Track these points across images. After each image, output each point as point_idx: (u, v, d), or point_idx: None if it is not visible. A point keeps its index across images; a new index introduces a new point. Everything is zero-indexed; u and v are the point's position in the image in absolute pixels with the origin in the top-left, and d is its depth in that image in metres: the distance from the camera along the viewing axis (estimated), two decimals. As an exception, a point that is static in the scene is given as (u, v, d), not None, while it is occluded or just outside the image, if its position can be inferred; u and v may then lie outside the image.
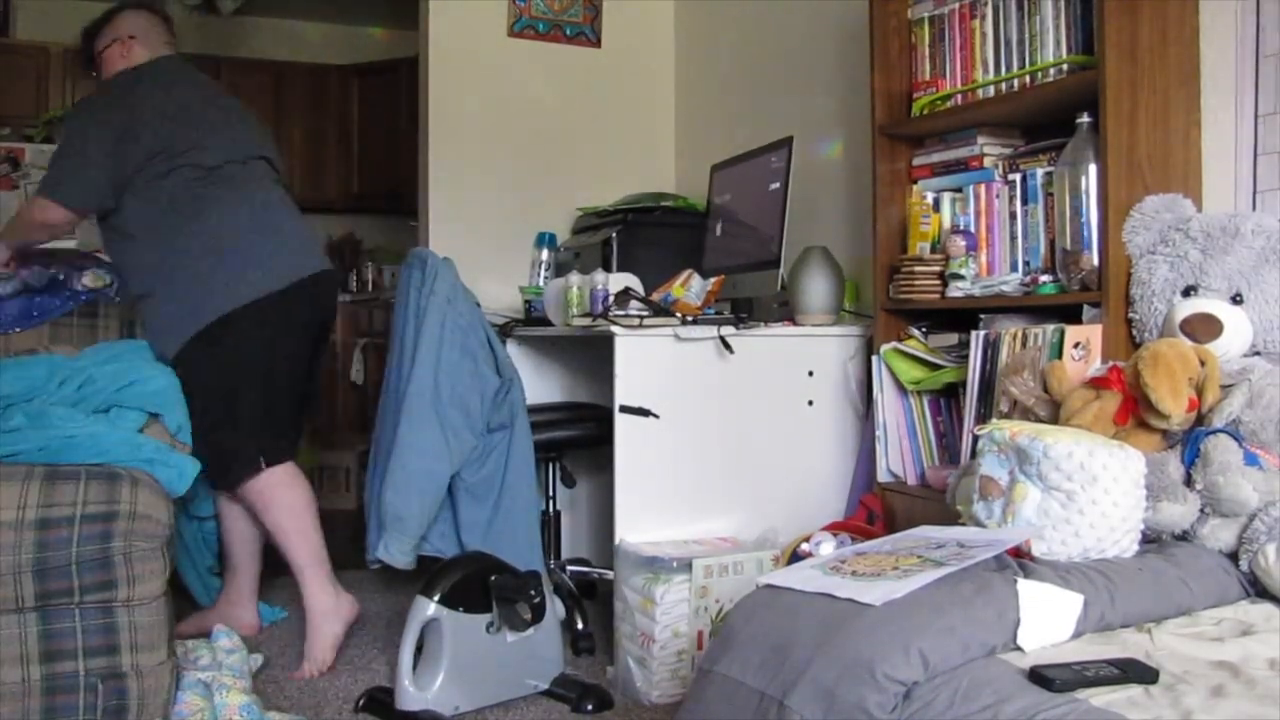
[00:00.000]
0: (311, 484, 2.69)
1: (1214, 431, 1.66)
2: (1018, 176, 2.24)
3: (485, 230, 3.67)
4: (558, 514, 3.04)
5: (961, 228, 2.35)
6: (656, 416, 2.42)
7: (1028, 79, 2.18)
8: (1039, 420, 1.88)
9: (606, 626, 2.54)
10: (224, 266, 2.54)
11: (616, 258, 3.16)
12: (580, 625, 2.67)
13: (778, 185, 2.80)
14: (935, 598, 1.35)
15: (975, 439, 1.73)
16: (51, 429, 2.11)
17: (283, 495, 2.60)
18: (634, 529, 2.41)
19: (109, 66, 2.76)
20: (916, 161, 2.49)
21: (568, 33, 3.81)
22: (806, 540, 2.33)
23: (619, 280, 2.62)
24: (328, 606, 2.58)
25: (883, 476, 2.46)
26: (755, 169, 2.96)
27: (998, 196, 2.28)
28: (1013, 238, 2.24)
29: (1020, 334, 2.07)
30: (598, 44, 3.86)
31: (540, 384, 3.29)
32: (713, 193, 3.24)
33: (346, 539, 3.81)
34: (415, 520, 2.55)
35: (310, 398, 2.80)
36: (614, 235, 3.22)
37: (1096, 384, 1.79)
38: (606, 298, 2.57)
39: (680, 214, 3.36)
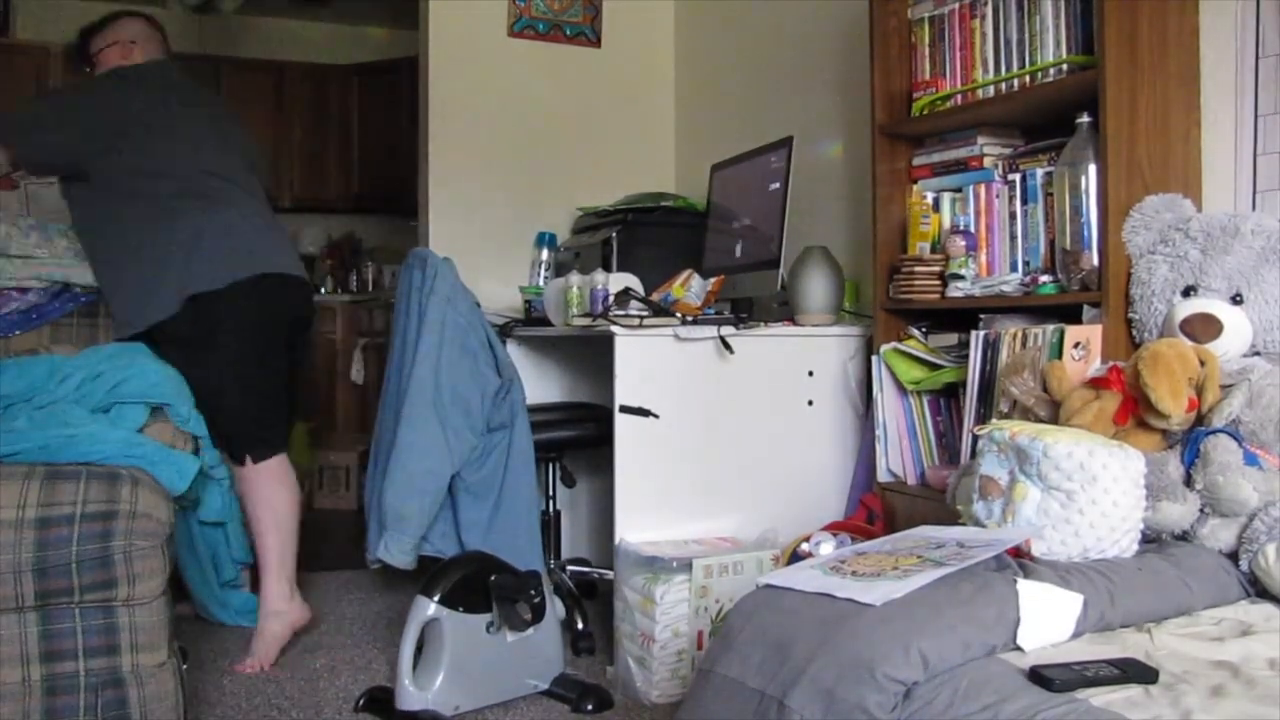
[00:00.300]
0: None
1: (1214, 431, 1.66)
2: (1017, 176, 2.24)
3: (485, 230, 3.68)
4: (558, 514, 3.04)
5: (961, 228, 2.35)
6: (656, 416, 2.42)
7: (1028, 79, 2.18)
8: (1039, 420, 1.88)
9: (606, 626, 2.54)
10: (191, 256, 2.58)
11: (616, 258, 3.16)
12: (580, 625, 2.67)
13: (778, 185, 2.80)
14: (935, 597, 1.35)
15: (975, 439, 1.74)
16: (52, 428, 2.11)
17: (263, 490, 2.65)
18: (634, 529, 2.41)
19: (105, 65, 2.85)
20: (916, 161, 2.49)
21: (568, 33, 3.82)
22: (806, 540, 2.33)
23: (619, 280, 2.63)
24: (279, 606, 2.65)
25: (883, 476, 2.47)
26: (755, 169, 2.96)
27: (998, 196, 2.28)
28: (1013, 238, 2.24)
29: (1020, 334, 2.07)
30: (598, 44, 3.86)
31: (540, 384, 3.29)
32: (713, 193, 3.24)
33: (346, 539, 3.82)
34: (416, 520, 2.55)
35: (292, 399, 2.84)
36: (614, 235, 3.22)
37: (1096, 384, 1.79)
38: (606, 298, 2.57)
39: (680, 214, 3.36)
